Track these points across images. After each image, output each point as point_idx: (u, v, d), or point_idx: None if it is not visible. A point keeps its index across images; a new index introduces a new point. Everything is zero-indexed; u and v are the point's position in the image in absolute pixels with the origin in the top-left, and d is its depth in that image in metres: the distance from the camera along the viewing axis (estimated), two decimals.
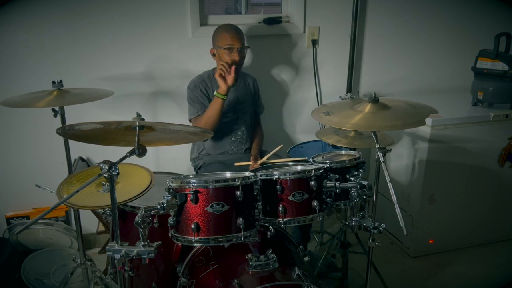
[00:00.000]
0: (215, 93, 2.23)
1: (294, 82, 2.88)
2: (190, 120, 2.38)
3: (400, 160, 2.72)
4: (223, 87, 2.19)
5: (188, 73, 2.47)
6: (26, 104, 1.90)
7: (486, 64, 2.65)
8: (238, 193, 1.42)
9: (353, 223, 1.62)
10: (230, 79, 2.19)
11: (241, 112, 2.44)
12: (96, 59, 2.47)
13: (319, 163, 1.69)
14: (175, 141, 1.69)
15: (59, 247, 2.52)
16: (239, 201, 1.42)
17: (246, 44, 2.36)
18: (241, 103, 2.43)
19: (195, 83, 2.38)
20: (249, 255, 1.54)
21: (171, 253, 1.75)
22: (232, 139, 2.45)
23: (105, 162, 1.26)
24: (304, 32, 2.79)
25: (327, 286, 2.33)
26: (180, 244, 1.68)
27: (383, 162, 1.53)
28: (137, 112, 1.43)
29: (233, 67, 2.19)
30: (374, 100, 1.64)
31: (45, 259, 2.42)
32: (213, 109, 2.23)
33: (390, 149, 1.63)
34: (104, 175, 1.26)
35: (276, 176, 1.51)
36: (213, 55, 2.36)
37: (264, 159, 2.21)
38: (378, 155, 1.56)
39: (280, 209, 1.51)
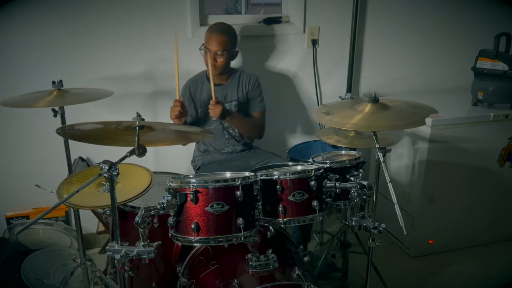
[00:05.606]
0: None
1: (294, 82, 2.88)
2: None
3: (400, 160, 2.72)
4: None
5: (188, 73, 2.47)
6: (26, 104, 1.90)
7: (486, 64, 2.65)
8: (238, 193, 1.42)
9: (353, 223, 1.62)
10: (175, 121, 2.22)
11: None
12: (96, 59, 2.47)
13: (319, 163, 1.69)
14: (175, 141, 1.69)
15: (59, 247, 2.52)
16: (239, 201, 1.43)
17: (234, 47, 2.31)
18: (230, 102, 2.41)
19: (187, 84, 2.42)
20: (249, 255, 1.54)
21: (171, 253, 1.75)
22: (226, 136, 2.45)
23: (105, 162, 1.26)
24: (304, 32, 2.79)
25: (327, 286, 2.33)
26: (180, 244, 1.68)
27: (383, 162, 1.54)
28: (137, 112, 1.43)
29: (180, 120, 2.20)
30: (374, 100, 1.64)
31: (45, 259, 2.42)
32: None
33: (390, 149, 1.63)
34: (104, 175, 1.26)
35: (276, 176, 1.51)
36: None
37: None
38: (378, 155, 1.57)
39: (280, 209, 1.51)
